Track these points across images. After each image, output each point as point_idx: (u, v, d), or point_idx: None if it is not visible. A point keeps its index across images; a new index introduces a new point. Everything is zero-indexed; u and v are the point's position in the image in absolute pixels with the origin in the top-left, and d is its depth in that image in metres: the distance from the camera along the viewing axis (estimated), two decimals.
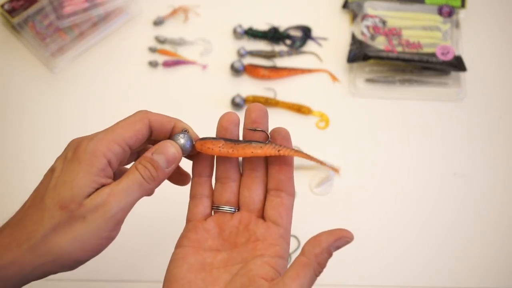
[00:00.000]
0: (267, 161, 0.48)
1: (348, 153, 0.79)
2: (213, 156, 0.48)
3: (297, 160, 0.77)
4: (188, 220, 0.48)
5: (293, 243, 0.72)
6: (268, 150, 0.46)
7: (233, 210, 0.47)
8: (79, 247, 0.41)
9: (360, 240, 0.73)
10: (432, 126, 0.82)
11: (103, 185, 0.42)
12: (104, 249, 0.43)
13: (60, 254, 0.41)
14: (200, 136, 0.48)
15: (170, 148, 0.45)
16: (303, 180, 0.75)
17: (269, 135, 0.48)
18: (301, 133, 0.80)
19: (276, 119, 0.80)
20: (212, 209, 0.48)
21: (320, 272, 0.42)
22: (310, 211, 0.75)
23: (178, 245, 0.47)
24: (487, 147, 0.81)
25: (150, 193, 0.45)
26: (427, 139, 0.81)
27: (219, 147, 0.47)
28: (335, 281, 0.71)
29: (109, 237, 0.43)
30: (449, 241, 0.74)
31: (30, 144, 0.78)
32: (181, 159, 0.46)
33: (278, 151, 0.46)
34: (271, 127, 0.81)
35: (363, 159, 0.79)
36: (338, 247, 0.43)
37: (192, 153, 0.48)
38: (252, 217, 0.47)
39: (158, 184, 0.45)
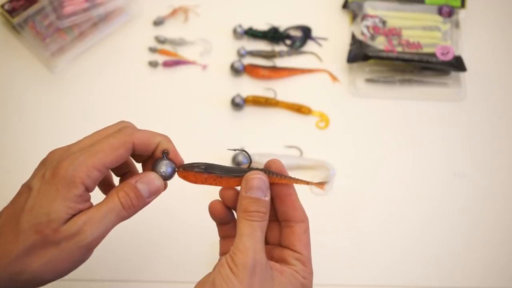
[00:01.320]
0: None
1: (348, 153, 0.79)
2: (228, 209, 0.50)
3: (297, 161, 0.78)
4: (220, 255, 0.52)
5: None
6: None
7: None
8: (50, 269, 0.42)
9: (360, 240, 0.74)
10: (432, 126, 0.82)
11: (80, 210, 0.43)
12: (74, 270, 0.44)
13: (32, 275, 0.42)
14: (180, 151, 0.49)
15: (155, 180, 0.46)
16: None
17: (250, 158, 0.49)
18: (301, 133, 0.80)
19: (276, 119, 0.81)
20: None
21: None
22: (310, 211, 0.75)
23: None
24: (487, 147, 0.81)
25: (125, 219, 0.46)
26: (427, 139, 0.81)
27: (202, 180, 0.47)
28: (335, 281, 0.71)
29: (81, 261, 0.44)
30: (450, 241, 0.74)
31: (30, 144, 0.78)
32: (163, 190, 0.47)
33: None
34: (271, 127, 0.82)
35: (363, 159, 0.79)
36: None
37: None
38: (274, 247, 0.49)
39: (136, 212, 0.46)
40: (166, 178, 0.47)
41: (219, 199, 0.50)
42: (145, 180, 0.45)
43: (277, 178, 0.48)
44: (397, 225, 0.75)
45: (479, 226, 0.75)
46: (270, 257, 0.48)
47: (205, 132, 0.80)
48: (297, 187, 0.75)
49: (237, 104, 0.80)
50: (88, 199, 0.44)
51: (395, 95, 0.83)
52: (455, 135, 0.81)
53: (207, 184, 0.48)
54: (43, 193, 0.42)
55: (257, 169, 0.47)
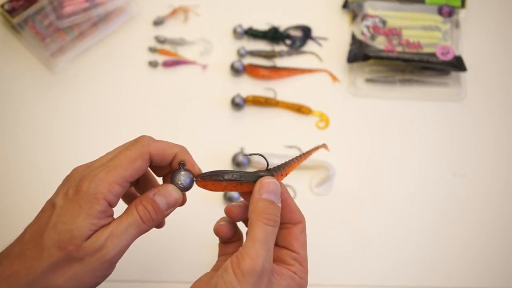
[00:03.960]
0: None
1: (348, 153, 0.79)
2: (233, 227, 0.50)
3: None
4: (219, 256, 0.51)
5: None
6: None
7: None
8: (74, 285, 0.43)
9: (359, 239, 0.74)
10: (432, 126, 0.82)
11: (102, 226, 0.43)
12: (98, 286, 0.45)
13: None
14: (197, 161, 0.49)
15: (173, 193, 0.46)
16: (303, 180, 0.76)
17: (267, 162, 0.48)
18: (301, 133, 0.80)
19: (276, 119, 0.81)
20: None
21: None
22: (310, 211, 0.75)
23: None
24: (487, 147, 0.81)
25: (145, 232, 0.46)
26: (427, 139, 0.81)
27: (222, 187, 0.47)
28: (335, 281, 0.71)
29: (104, 276, 0.44)
30: (449, 241, 0.74)
31: (29, 144, 0.78)
32: (181, 201, 0.47)
33: (281, 175, 0.48)
34: (271, 127, 0.82)
35: (363, 159, 0.79)
36: None
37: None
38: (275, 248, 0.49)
39: (155, 225, 0.46)
40: (185, 189, 0.47)
41: (224, 216, 0.50)
42: (163, 192, 0.46)
43: (294, 164, 0.49)
44: (397, 225, 0.75)
45: (479, 226, 0.75)
46: None
47: (205, 132, 0.80)
48: (297, 188, 0.75)
49: (237, 104, 0.80)
50: (111, 214, 0.44)
51: (395, 95, 0.83)
52: (455, 135, 0.81)
53: (227, 190, 0.48)
54: (66, 210, 0.42)
55: (271, 170, 0.47)
